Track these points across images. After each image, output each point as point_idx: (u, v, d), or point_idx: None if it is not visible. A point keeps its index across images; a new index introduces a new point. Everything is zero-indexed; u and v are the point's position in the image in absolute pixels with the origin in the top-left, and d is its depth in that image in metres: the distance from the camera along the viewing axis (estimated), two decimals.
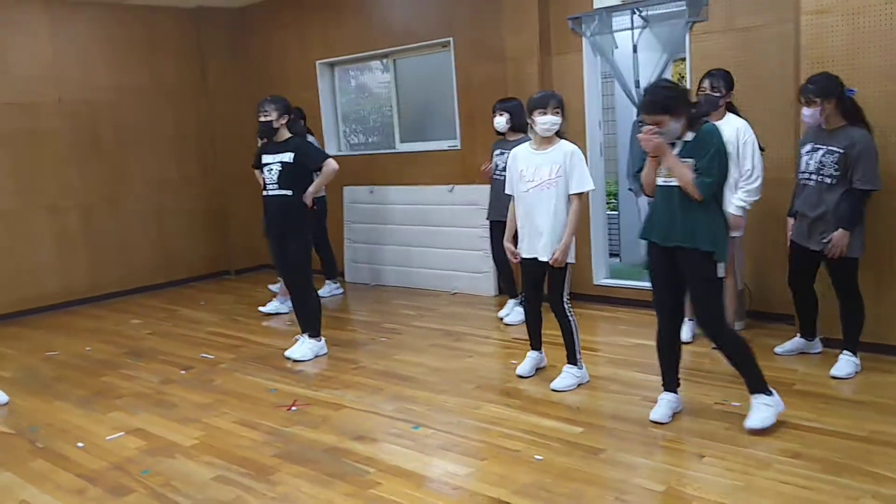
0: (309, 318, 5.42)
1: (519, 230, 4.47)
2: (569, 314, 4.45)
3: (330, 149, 8.24)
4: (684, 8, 5.51)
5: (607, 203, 7.07)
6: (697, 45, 5.49)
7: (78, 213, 7.83)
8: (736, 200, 4.72)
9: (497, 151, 5.84)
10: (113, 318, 7.19)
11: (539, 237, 4.34)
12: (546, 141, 4.34)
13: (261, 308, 6.90)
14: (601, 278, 6.47)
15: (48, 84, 7.58)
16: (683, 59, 5.98)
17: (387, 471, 3.51)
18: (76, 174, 7.79)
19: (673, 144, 3.60)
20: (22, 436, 4.30)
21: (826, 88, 4.15)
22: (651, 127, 3.55)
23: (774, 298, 5.29)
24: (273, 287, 7.48)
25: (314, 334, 5.41)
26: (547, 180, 4.29)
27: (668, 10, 5.64)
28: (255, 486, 3.45)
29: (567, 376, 4.47)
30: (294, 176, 5.18)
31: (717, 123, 4.72)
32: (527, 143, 4.50)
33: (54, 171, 7.65)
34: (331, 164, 5.26)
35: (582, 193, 4.33)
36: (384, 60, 7.92)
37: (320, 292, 7.26)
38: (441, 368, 4.97)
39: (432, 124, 7.62)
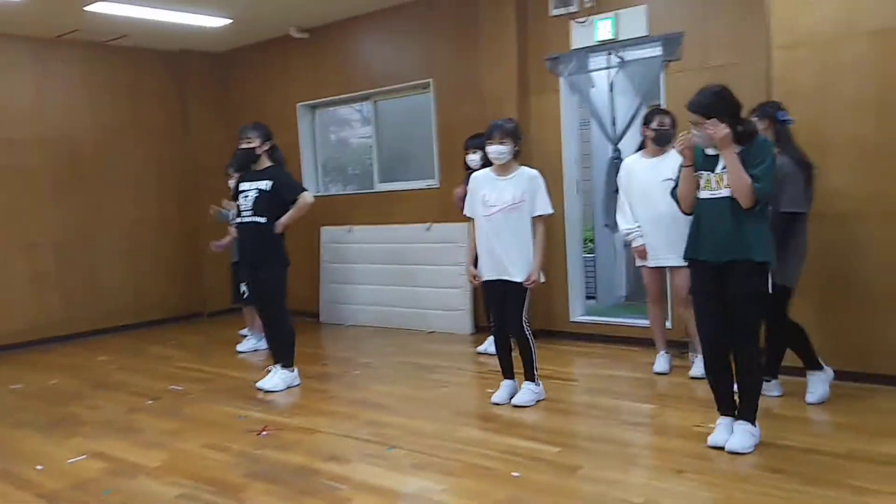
0: (282, 348, 5.31)
1: (480, 253, 4.51)
2: (527, 332, 4.50)
3: (309, 189, 8.22)
4: (660, 48, 5.66)
5: (584, 246, 7.11)
6: (672, 84, 5.61)
7: (53, 250, 7.72)
8: None
9: None
10: (82, 355, 7.02)
11: (507, 259, 4.39)
12: (506, 167, 4.45)
13: (238, 347, 6.77)
14: (577, 316, 6.44)
15: (29, 121, 7.57)
16: (657, 106, 6.11)
17: (360, 488, 3.41)
18: (53, 211, 7.71)
19: (716, 157, 3.55)
20: None
21: (764, 109, 4.23)
22: (693, 132, 3.54)
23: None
24: (244, 331, 7.36)
25: (287, 364, 5.30)
26: (511, 204, 4.38)
27: (643, 50, 5.79)
28: (221, 503, 3.32)
29: (526, 392, 4.53)
30: (270, 204, 5.14)
31: (663, 157, 4.86)
32: (487, 169, 4.59)
33: (31, 207, 7.56)
34: (306, 197, 5.23)
35: (544, 216, 4.44)
36: (364, 103, 8.01)
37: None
38: (416, 397, 4.88)
39: (411, 164, 7.67)
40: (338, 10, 7.36)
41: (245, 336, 7.04)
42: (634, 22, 5.74)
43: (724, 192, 3.51)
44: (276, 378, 5.25)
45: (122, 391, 5.50)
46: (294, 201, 5.19)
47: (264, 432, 4.29)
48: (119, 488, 3.57)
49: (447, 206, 6.88)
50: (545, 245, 4.46)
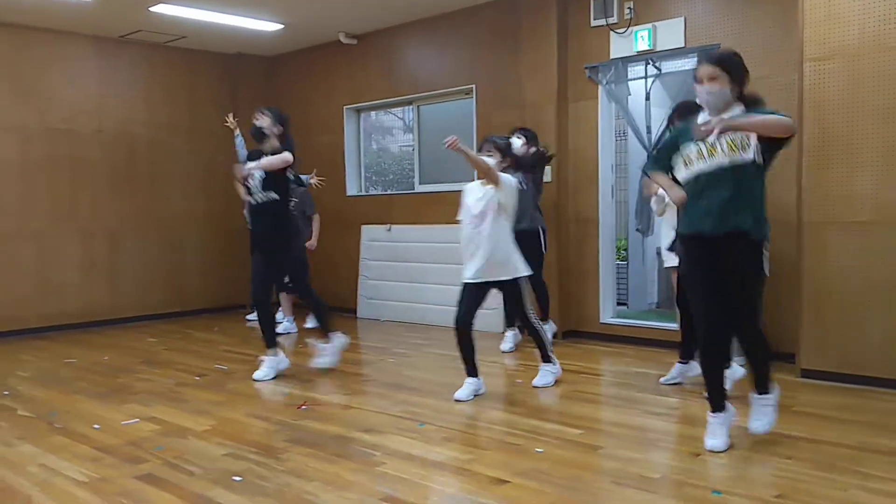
0: (326, 316, 5.63)
1: (463, 255, 4.74)
2: (534, 321, 4.89)
3: (351, 189, 8.57)
4: (695, 59, 5.84)
5: (617, 254, 7.29)
6: None
7: (106, 238, 8.13)
8: None
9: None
10: (130, 336, 7.39)
11: (493, 260, 4.61)
12: None
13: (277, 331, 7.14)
14: (607, 318, 6.62)
15: (90, 114, 8.01)
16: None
17: (393, 454, 3.64)
18: (109, 202, 8.13)
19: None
20: (41, 419, 4.46)
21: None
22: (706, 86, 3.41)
23: (775, 336, 5.41)
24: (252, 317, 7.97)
25: (332, 330, 5.60)
26: (485, 211, 4.62)
27: (680, 61, 5.99)
28: (265, 462, 3.58)
29: (545, 374, 4.94)
30: (277, 180, 5.27)
31: None
32: (477, 181, 4.85)
33: (88, 196, 7.99)
34: (284, 155, 5.25)
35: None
36: (407, 107, 8.31)
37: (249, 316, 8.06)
38: (447, 383, 5.08)
39: (451, 167, 7.92)
40: (386, 17, 7.67)
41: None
42: (671, 34, 5.94)
43: (724, 161, 3.38)
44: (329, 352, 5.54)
45: (170, 368, 5.82)
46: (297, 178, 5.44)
47: (304, 406, 4.56)
48: (170, 446, 3.85)
49: None
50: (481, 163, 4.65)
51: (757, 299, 3.65)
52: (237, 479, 3.37)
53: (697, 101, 3.60)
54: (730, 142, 3.38)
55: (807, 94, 4.89)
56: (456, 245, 7.47)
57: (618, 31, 6.25)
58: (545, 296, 6.21)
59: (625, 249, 8.32)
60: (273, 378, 5.33)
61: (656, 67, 6.11)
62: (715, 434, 3.58)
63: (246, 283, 8.90)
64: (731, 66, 3.41)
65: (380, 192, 8.81)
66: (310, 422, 4.24)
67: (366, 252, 8.34)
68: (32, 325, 7.54)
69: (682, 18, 5.92)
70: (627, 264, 8.06)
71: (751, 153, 3.39)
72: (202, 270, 8.90)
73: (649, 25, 6.06)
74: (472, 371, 4.74)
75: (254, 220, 5.46)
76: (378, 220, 8.21)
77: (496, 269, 4.64)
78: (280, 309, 7.86)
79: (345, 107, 8.60)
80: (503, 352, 6.11)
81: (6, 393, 5.11)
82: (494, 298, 7.00)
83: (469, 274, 4.66)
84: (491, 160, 4.71)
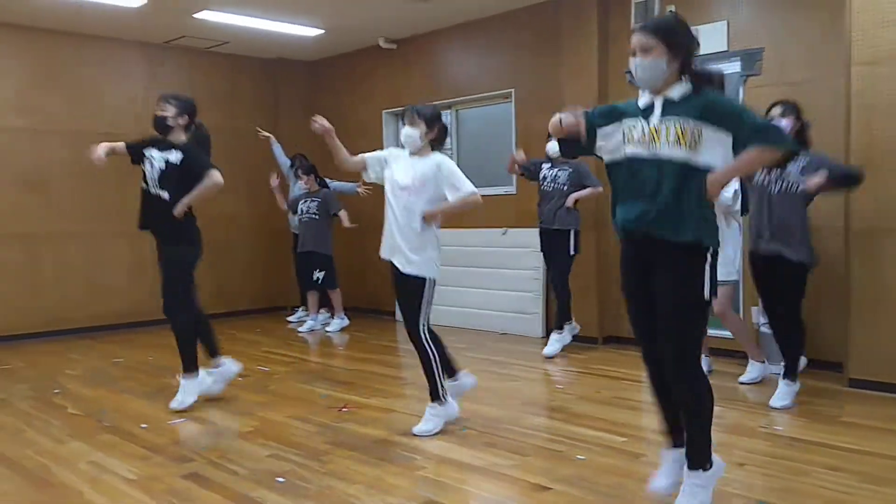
0: (186, 349, 4.80)
1: (384, 230, 4.18)
2: (426, 343, 3.99)
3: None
4: (739, 63, 5.78)
5: None
6: (751, 99, 5.71)
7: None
8: None
9: (547, 165, 6.26)
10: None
11: (395, 243, 4.06)
12: (419, 151, 4.11)
13: (299, 329, 7.57)
14: None
15: (137, 118, 8.13)
16: None
17: (434, 459, 3.66)
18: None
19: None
20: (90, 417, 4.57)
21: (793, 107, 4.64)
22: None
23: (823, 344, 5.32)
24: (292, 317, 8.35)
25: (190, 368, 4.75)
26: (410, 187, 4.03)
27: (723, 65, 5.91)
28: (307, 464, 3.63)
29: (429, 419, 4.06)
30: (182, 182, 4.66)
31: None
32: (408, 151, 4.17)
33: (135, 199, 8.12)
34: (214, 176, 4.64)
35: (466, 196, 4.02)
36: (446, 112, 8.32)
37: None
38: (487, 388, 5.11)
39: (490, 171, 7.92)
40: (425, 22, 7.71)
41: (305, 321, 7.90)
42: (714, 37, 5.88)
43: (662, 153, 2.71)
44: (184, 394, 4.66)
45: None
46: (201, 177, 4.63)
47: (344, 409, 4.60)
48: (216, 446, 3.93)
49: (523, 211, 7.12)
50: (452, 207, 4.08)
51: (690, 331, 2.77)
52: (280, 480, 3.41)
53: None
54: (679, 131, 2.67)
55: (855, 99, 4.80)
56: (489, 249, 7.55)
57: None
58: (565, 300, 6.18)
59: None
60: (193, 402, 4.68)
61: None
62: (662, 473, 3.03)
63: (288, 285, 9.11)
64: (668, 35, 2.73)
65: None
66: (351, 424, 4.28)
67: None
68: (81, 325, 7.73)
69: (725, 22, 5.86)
70: None
71: (699, 157, 2.67)
72: (245, 272, 9.04)
73: (692, 29, 5.99)
74: (449, 373, 4.28)
75: (143, 209, 4.87)
76: None
77: (398, 254, 4.03)
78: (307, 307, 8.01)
79: (384, 111, 8.66)
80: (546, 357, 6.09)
81: (57, 391, 5.25)
82: (533, 302, 7.08)
83: (382, 251, 4.14)
84: (414, 131, 4.04)
